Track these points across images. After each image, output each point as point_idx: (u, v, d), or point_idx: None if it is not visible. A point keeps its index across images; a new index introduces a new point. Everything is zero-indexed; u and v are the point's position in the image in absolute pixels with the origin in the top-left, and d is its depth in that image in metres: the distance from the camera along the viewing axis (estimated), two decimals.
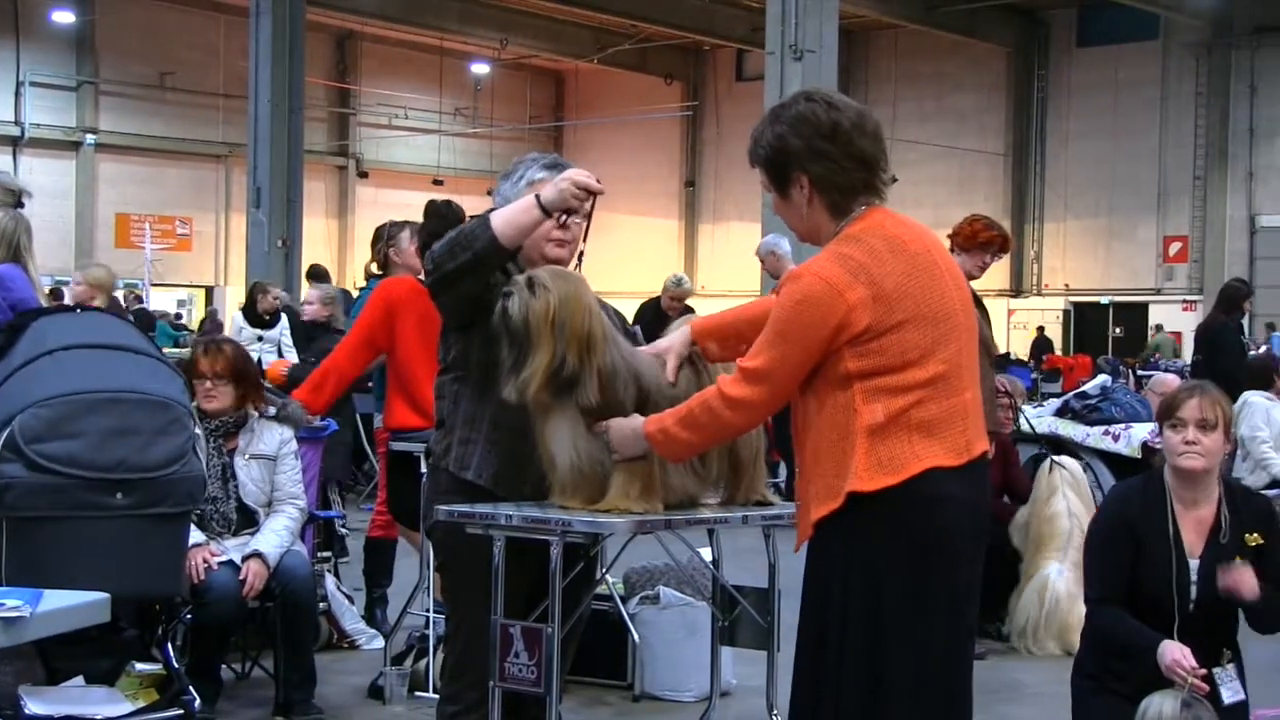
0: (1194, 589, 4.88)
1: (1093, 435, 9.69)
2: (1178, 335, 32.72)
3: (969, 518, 3.57)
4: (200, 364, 6.00)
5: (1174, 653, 4.68)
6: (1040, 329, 34.36)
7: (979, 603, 3.77)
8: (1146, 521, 4.93)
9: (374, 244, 7.81)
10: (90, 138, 35.21)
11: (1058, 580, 7.73)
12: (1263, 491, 8.58)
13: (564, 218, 4.03)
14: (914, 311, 3.48)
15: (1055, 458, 8.00)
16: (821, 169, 3.56)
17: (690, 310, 11.84)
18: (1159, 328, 33.34)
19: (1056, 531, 7.81)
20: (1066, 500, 7.85)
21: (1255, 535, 4.92)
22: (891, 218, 3.61)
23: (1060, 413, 9.83)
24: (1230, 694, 4.95)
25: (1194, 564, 4.90)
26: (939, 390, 3.50)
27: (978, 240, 7.35)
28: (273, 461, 6.12)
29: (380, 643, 7.08)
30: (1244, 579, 4.73)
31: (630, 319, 13.50)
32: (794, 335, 3.48)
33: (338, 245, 38.80)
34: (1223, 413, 4.93)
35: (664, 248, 41.36)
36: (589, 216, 4.11)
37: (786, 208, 3.66)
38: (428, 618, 6.52)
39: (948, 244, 6.90)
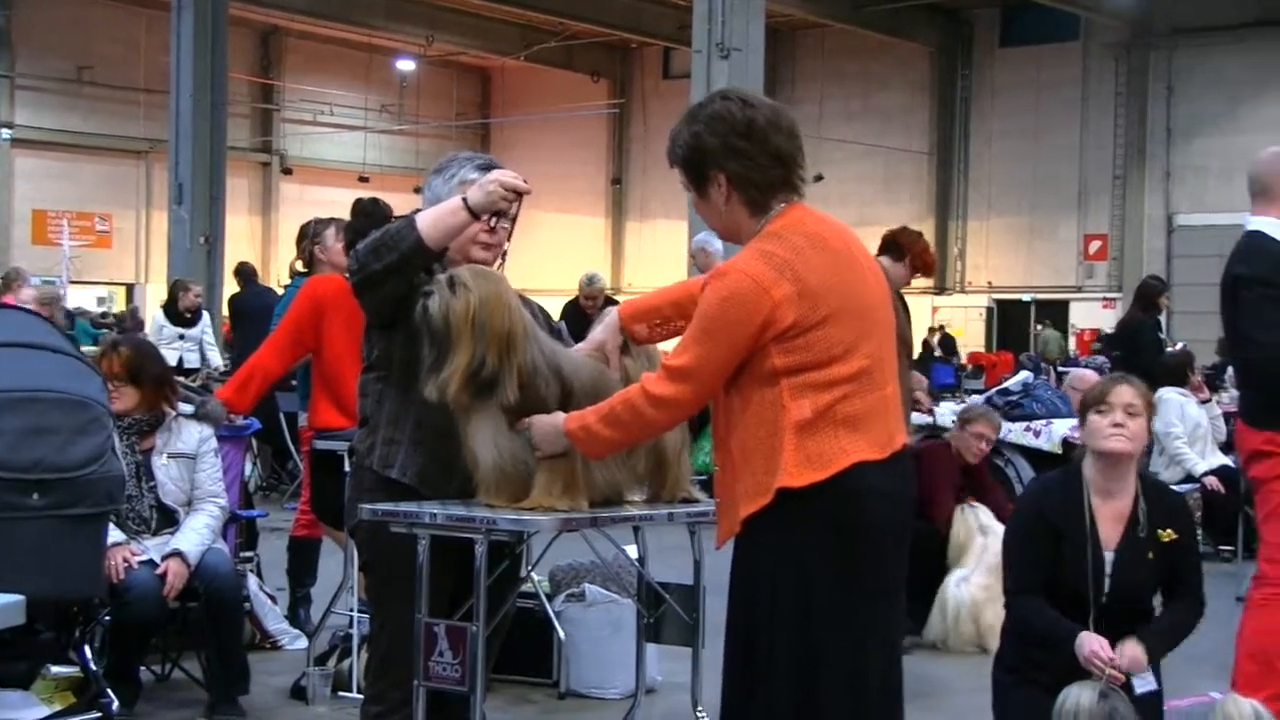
0: (1109, 581, 4.95)
1: (1014, 431, 9.80)
2: (1094, 332, 33.09)
3: (894, 510, 3.61)
4: (101, 366, 5.96)
5: (1092, 644, 4.75)
6: (942, 327, 34.46)
7: (905, 594, 3.81)
8: (1064, 514, 4.99)
9: (299, 241, 7.75)
10: (6, 132, 34.72)
11: (958, 589, 7.80)
12: (1176, 487, 8.71)
13: (492, 220, 4.03)
14: (838, 306, 3.51)
15: (971, 504, 8.02)
16: (738, 166, 3.58)
17: (614, 303, 11.87)
18: (1047, 323, 33.71)
19: (971, 549, 7.89)
20: (983, 531, 7.94)
21: (1169, 531, 5.00)
22: (811, 215, 3.64)
23: None
24: (1142, 684, 5.01)
25: (1110, 556, 4.97)
26: (863, 385, 3.53)
27: (924, 260, 7.49)
28: (192, 460, 6.07)
29: (303, 643, 7.04)
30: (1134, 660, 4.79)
31: (558, 317, 13.40)
32: (720, 333, 3.48)
33: (261, 242, 38.49)
34: (1146, 404, 5.03)
35: (591, 246, 41.31)
36: (514, 217, 4.10)
37: (706, 207, 3.67)
38: (352, 617, 6.49)
39: (876, 248, 7.00)
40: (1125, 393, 5.01)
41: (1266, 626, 5.67)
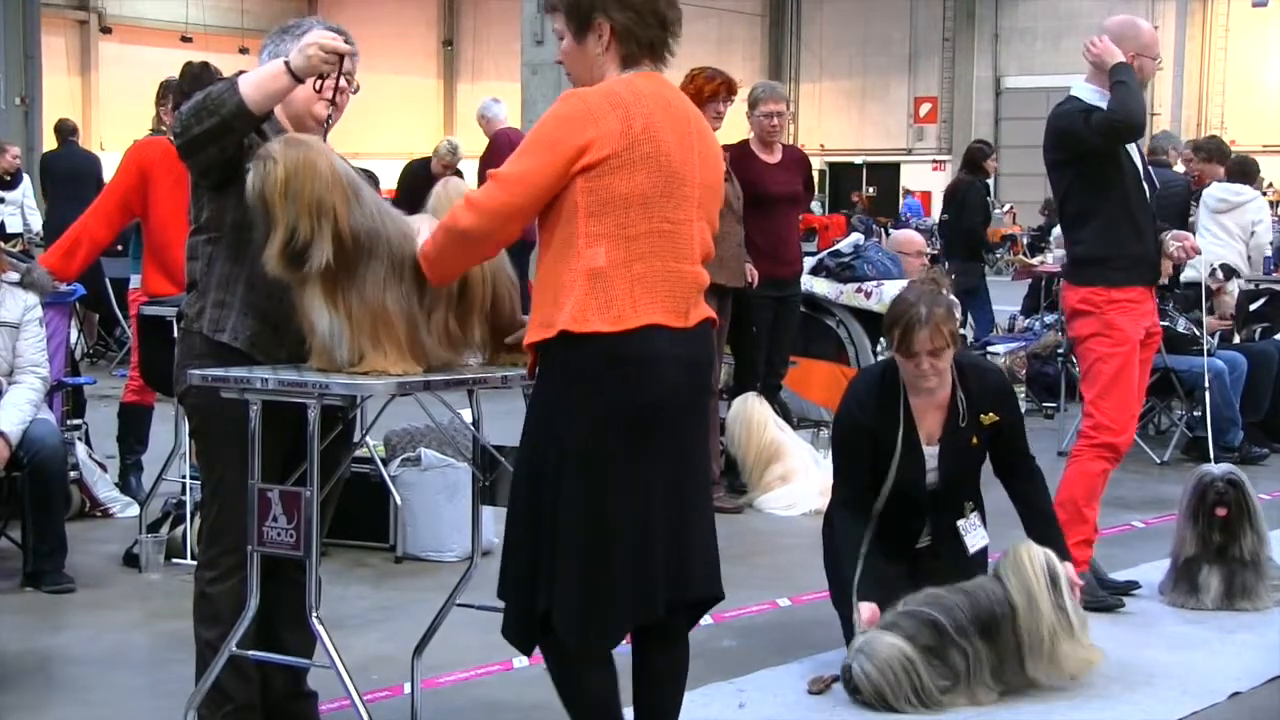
0: (934, 474, 5.07)
1: (846, 292, 9.89)
2: (925, 195, 33.57)
3: (689, 374, 3.65)
4: None
5: (863, 614, 4.85)
6: None
7: (703, 452, 3.84)
8: (881, 419, 5.04)
9: (158, 98, 7.58)
10: None
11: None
12: (999, 348, 8.91)
13: (318, 83, 3.93)
14: (650, 159, 3.54)
15: (752, 393, 8.12)
16: (625, 19, 3.63)
17: (459, 174, 11.72)
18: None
19: (783, 452, 8.02)
20: (778, 428, 8.10)
21: (990, 415, 5.11)
22: (670, 88, 3.71)
23: (815, 271, 10.01)
24: (975, 541, 5.18)
25: (931, 451, 5.07)
26: (659, 248, 3.57)
27: (704, 95, 7.41)
28: (15, 329, 5.94)
29: (135, 510, 6.97)
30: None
31: (397, 179, 13.25)
32: (545, 149, 3.53)
33: (82, 104, 37.30)
34: (950, 331, 5.00)
35: (424, 108, 40.73)
36: (340, 81, 3.98)
37: (578, 54, 3.69)
38: (184, 484, 6.44)
39: None
40: (924, 339, 4.95)
41: (1075, 475, 5.92)
